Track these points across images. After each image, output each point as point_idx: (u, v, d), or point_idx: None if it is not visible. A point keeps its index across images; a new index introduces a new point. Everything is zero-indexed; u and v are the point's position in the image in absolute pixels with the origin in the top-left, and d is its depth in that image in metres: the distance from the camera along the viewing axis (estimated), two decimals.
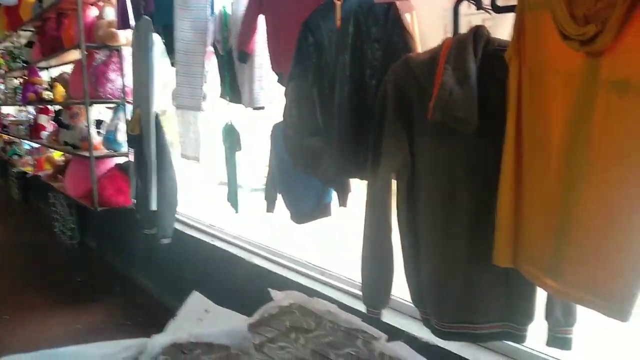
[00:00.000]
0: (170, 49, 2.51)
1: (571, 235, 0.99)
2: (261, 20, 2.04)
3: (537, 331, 1.27)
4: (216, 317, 1.64)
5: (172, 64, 2.51)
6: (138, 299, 3.54)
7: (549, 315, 1.21)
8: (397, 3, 1.41)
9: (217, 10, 2.32)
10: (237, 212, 2.47)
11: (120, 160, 3.59)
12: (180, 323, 1.60)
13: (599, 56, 0.90)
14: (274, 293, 1.70)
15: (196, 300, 1.73)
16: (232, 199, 2.45)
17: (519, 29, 1.06)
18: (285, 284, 2.24)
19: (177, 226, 3.16)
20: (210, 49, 2.39)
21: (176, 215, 3.05)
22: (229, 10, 2.27)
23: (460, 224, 1.24)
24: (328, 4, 1.57)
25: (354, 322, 1.59)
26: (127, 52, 3.30)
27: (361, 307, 1.49)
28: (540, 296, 1.22)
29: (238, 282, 2.64)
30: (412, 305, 1.44)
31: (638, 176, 0.88)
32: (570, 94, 0.96)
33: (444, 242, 1.27)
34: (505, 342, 1.44)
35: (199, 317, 1.65)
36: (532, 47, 1.04)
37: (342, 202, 1.86)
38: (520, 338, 1.28)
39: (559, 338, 1.22)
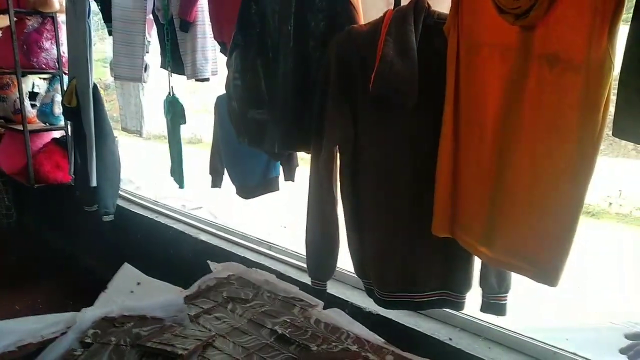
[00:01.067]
0: (107, 17, 2.37)
1: (503, 204, 1.02)
2: None
3: (472, 298, 1.32)
4: (148, 289, 1.62)
5: (110, 33, 2.38)
6: (80, 278, 3.41)
7: (483, 282, 1.25)
8: None
9: None
10: (182, 187, 2.40)
11: (58, 134, 3.41)
12: (111, 296, 1.57)
13: (532, 30, 0.92)
14: (212, 265, 1.68)
15: (127, 273, 1.69)
16: (176, 174, 2.39)
17: (457, 1, 1.06)
18: (232, 260, 2.21)
19: (122, 203, 3.05)
20: (151, 17, 2.28)
21: (120, 192, 2.95)
22: None
23: (402, 195, 1.26)
24: None
25: (291, 290, 1.60)
26: (62, 19, 3.10)
27: (308, 280, 1.49)
28: (477, 264, 1.26)
29: (185, 259, 2.59)
30: (356, 276, 1.47)
31: (564, 148, 0.91)
32: (506, 67, 0.98)
33: (386, 214, 1.29)
34: (444, 309, 1.49)
35: (131, 290, 1.62)
36: (470, 20, 1.05)
37: (289, 176, 1.84)
38: (458, 305, 1.33)
39: (493, 304, 1.26)
